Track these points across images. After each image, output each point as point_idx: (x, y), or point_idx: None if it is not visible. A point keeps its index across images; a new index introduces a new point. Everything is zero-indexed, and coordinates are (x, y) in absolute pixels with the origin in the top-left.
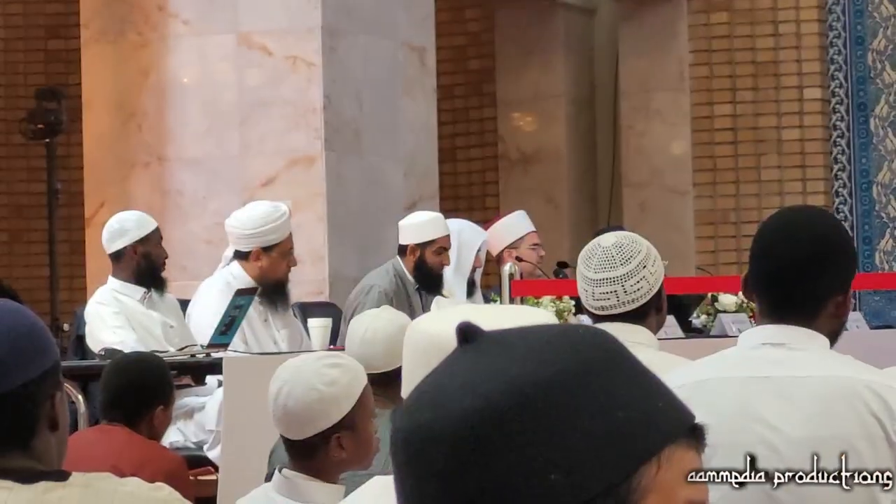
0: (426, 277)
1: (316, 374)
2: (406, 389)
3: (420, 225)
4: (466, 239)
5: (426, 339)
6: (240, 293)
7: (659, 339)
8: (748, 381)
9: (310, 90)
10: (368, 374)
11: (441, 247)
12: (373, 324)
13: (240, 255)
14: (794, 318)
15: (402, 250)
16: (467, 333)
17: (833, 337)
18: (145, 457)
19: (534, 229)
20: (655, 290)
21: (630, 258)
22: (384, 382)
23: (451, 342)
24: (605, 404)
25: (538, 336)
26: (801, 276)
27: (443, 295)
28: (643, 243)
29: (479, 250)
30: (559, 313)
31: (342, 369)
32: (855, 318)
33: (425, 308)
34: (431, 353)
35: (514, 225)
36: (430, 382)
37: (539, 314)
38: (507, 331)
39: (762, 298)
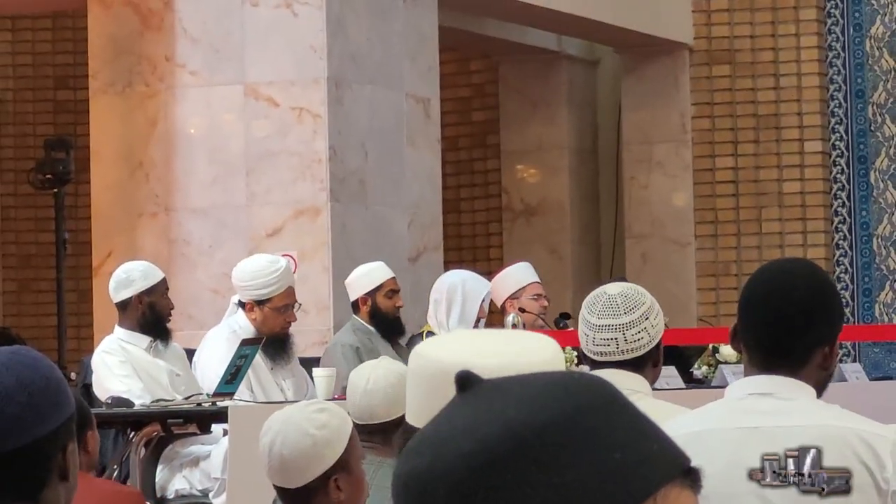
0: (385, 323)
1: (306, 420)
2: (411, 416)
3: (363, 275)
4: (470, 289)
5: (432, 364)
6: (245, 343)
7: (659, 390)
8: (737, 433)
9: (315, 141)
10: (370, 425)
11: (390, 289)
12: (373, 374)
13: (242, 305)
14: (781, 368)
15: (356, 307)
16: (465, 381)
17: (819, 388)
18: (108, 500)
19: (537, 280)
20: (654, 343)
21: (634, 308)
22: (385, 431)
23: (455, 367)
24: (601, 446)
25: (535, 382)
26: (789, 328)
27: None
28: (648, 296)
29: (483, 301)
30: None
31: (329, 413)
32: (855, 370)
33: (400, 354)
34: (438, 378)
35: (517, 275)
36: (430, 428)
37: (542, 341)
38: (504, 378)
39: (750, 349)
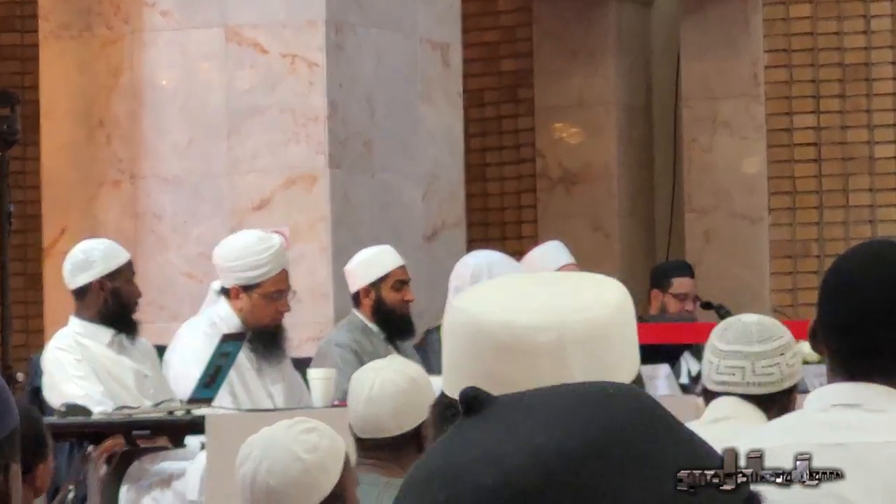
0: (390, 321)
1: (294, 442)
2: (446, 383)
3: (367, 262)
4: (498, 274)
5: (468, 320)
6: (226, 338)
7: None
8: (819, 450)
9: (311, 95)
10: (378, 439)
11: (398, 280)
12: (379, 378)
13: (225, 292)
14: (872, 374)
15: (356, 300)
16: (474, 402)
17: None
18: None
19: (572, 261)
20: (788, 384)
21: (769, 339)
22: (396, 448)
23: (497, 328)
24: (648, 475)
25: (563, 399)
26: (883, 324)
27: None
28: (788, 333)
29: None
30: None
31: (319, 433)
32: None
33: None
34: (477, 340)
35: (547, 256)
36: (440, 457)
37: (609, 285)
38: (524, 394)
39: (834, 350)
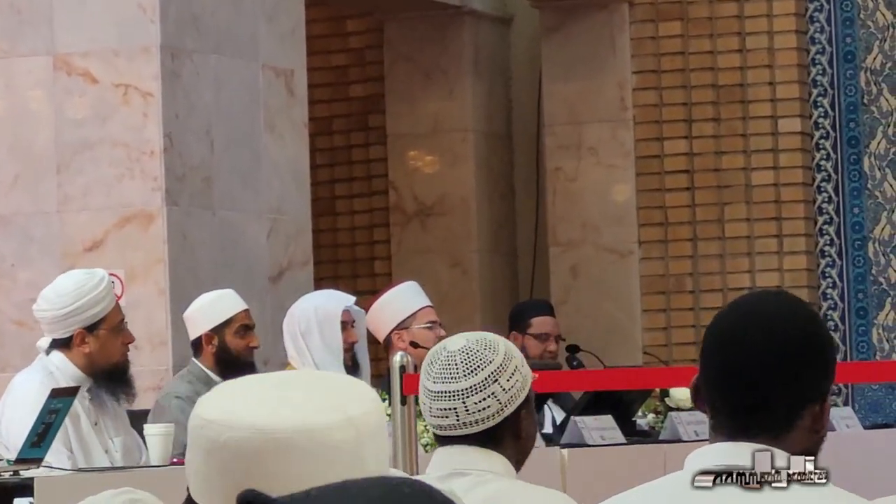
0: (235, 369)
1: None
2: (195, 491)
3: (208, 306)
4: (325, 314)
5: (248, 435)
6: (56, 394)
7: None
8: None
9: (146, 127)
10: None
11: (242, 325)
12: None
13: (60, 344)
14: (759, 433)
15: (197, 347)
16: None
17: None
18: None
19: (428, 303)
20: (509, 411)
21: (476, 369)
22: None
23: (291, 433)
24: None
25: (357, 497)
26: (770, 380)
27: None
28: (500, 350)
29: (347, 320)
30: None
31: None
32: (846, 416)
33: None
34: (263, 451)
35: (402, 299)
36: None
37: (350, 380)
38: (308, 493)
39: (717, 408)
